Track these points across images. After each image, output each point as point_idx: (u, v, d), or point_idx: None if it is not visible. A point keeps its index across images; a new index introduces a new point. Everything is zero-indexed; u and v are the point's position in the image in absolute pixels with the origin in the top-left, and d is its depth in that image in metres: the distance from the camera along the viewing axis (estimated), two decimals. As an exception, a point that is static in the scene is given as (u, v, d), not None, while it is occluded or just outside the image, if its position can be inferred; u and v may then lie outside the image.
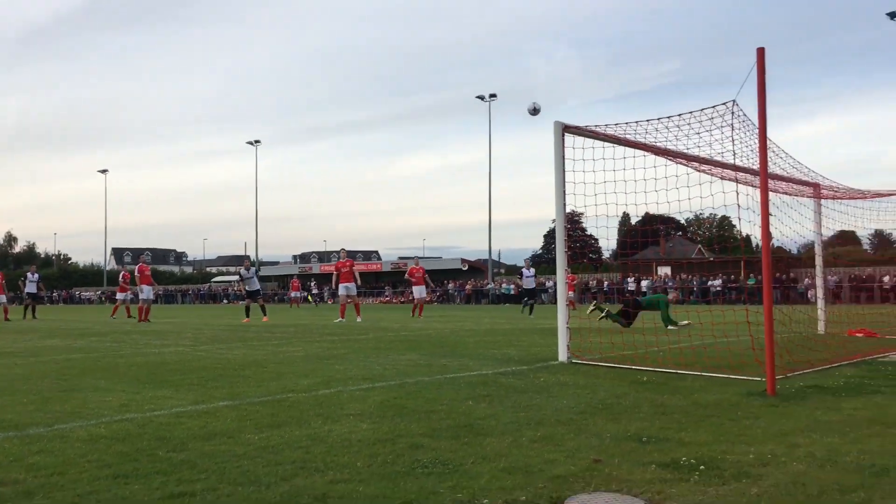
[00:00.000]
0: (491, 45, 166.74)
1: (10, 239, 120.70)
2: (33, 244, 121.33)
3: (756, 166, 7.59)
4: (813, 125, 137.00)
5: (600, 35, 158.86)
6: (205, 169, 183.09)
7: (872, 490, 3.42)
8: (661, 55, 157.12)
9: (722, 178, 9.67)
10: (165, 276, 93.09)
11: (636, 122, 8.65)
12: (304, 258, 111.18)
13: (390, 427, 4.98)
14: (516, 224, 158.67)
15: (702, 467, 3.83)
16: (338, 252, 23.99)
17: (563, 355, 9.00)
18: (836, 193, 12.94)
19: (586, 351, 9.42)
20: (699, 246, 76.25)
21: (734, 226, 7.61)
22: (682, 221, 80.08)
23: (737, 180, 8.51)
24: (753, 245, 11.12)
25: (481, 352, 10.59)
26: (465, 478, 3.70)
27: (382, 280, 69.40)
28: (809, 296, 36.43)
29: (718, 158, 8.89)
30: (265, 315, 22.59)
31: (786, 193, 11.61)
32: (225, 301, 68.88)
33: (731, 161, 8.58)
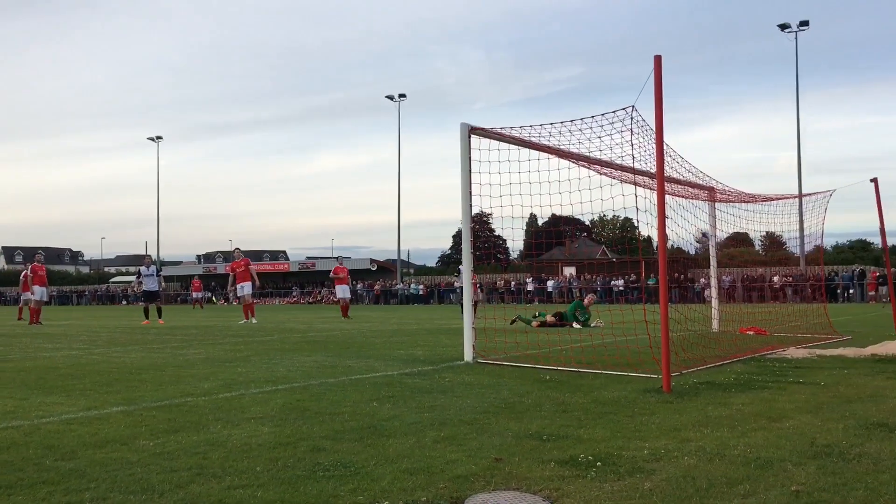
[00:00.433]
0: (400, 45, 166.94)
1: None
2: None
3: (654, 170, 7.85)
4: (710, 131, 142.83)
5: (508, 38, 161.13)
6: (102, 165, 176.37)
7: (757, 482, 3.58)
8: (568, 60, 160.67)
9: (623, 181, 9.95)
10: (60, 277, 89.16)
11: (540, 125, 8.82)
12: (208, 258, 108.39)
13: (292, 430, 4.90)
14: (425, 224, 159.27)
15: (599, 463, 3.93)
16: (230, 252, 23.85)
17: (468, 355, 9.07)
18: (730, 196, 13.51)
19: (491, 351, 9.53)
20: (603, 247, 78.32)
21: (636, 227, 7.84)
22: (587, 223, 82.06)
23: (636, 183, 8.78)
24: (654, 246, 11.51)
25: (387, 352, 10.57)
26: (366, 480, 3.68)
27: (290, 280, 68.45)
28: (705, 295, 37.94)
29: (619, 161, 9.15)
30: (160, 318, 21.92)
31: (682, 196, 12.05)
32: (124, 302, 66.51)
33: (631, 164, 8.84)
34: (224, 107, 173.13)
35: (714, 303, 14.31)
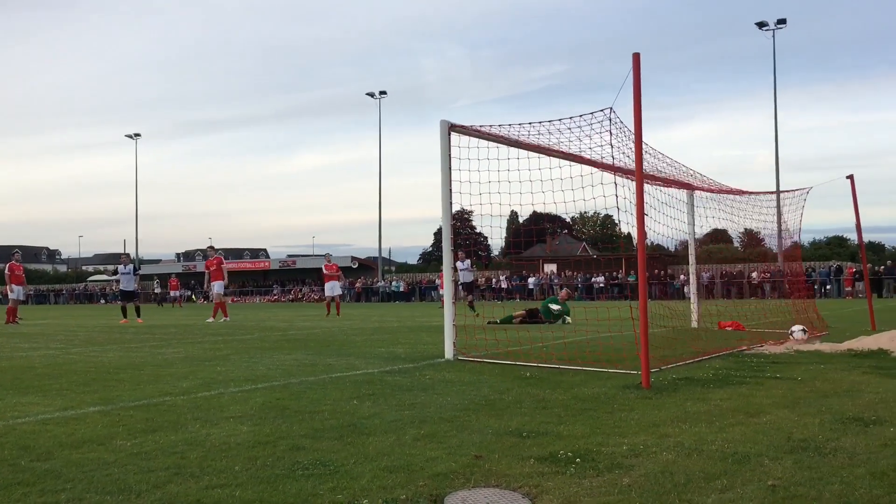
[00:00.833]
0: (381, 42, 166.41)
1: None
2: None
3: (633, 167, 7.88)
4: (690, 129, 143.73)
5: (491, 35, 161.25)
6: (79, 162, 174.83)
7: (734, 476, 3.61)
8: (550, 58, 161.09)
9: (602, 180, 9.98)
10: (37, 276, 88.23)
11: (520, 123, 8.84)
12: (188, 256, 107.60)
13: (272, 429, 4.88)
14: (407, 222, 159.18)
15: (578, 460, 3.94)
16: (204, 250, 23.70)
17: (449, 353, 9.07)
18: (710, 186, 13.57)
19: (472, 348, 9.54)
20: (584, 244, 78.62)
21: (616, 224, 7.91)
22: (568, 220, 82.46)
23: (615, 183, 8.81)
24: (634, 243, 11.56)
25: (368, 350, 10.54)
26: (345, 478, 3.67)
27: (270, 278, 68.16)
28: (685, 291, 38.21)
29: (598, 160, 9.18)
30: (139, 316, 21.77)
31: (662, 186, 12.09)
32: (102, 301, 65.95)
33: (611, 163, 8.88)
34: (204, 104, 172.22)
35: (693, 298, 14.40)
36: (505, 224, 10.79)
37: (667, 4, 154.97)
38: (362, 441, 4.50)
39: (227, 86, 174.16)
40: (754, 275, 42.04)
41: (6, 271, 22.92)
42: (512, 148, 9.17)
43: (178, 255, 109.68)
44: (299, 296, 59.35)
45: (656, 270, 43.25)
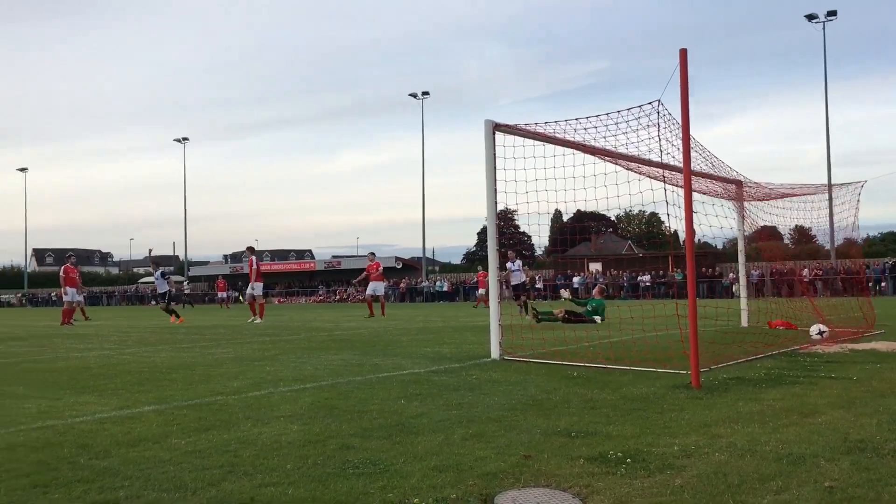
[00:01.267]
0: (423, 42, 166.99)
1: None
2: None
3: (681, 164, 7.79)
4: (736, 123, 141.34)
5: (531, 34, 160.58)
6: (130, 166, 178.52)
7: (790, 478, 3.54)
8: (591, 54, 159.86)
9: (649, 176, 9.88)
10: (90, 278, 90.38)
11: (566, 120, 8.79)
12: (234, 258, 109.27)
13: (321, 428, 4.93)
14: (450, 221, 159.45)
15: (628, 460, 3.91)
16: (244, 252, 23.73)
17: (495, 352, 9.06)
18: (757, 193, 13.35)
19: (518, 348, 9.52)
20: (629, 242, 77.85)
21: (662, 222, 7.79)
22: (613, 218, 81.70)
23: (664, 179, 8.71)
24: (681, 240, 11.42)
25: (414, 350, 10.59)
26: (395, 477, 3.70)
27: (316, 279, 68.83)
28: (734, 290, 37.58)
29: (646, 156, 9.09)
30: (178, 317, 22.15)
31: (707, 194, 11.93)
32: (153, 302, 67.21)
33: (658, 159, 8.78)
34: (249, 107, 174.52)
35: (743, 296, 14.16)
36: (548, 223, 10.74)
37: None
38: (411, 440, 4.52)
39: (271, 88, 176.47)
40: (805, 272, 41.15)
41: (61, 274, 23.54)
42: (557, 146, 9.12)
43: (225, 256, 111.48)
44: (344, 296, 59.83)
45: (704, 268, 42.63)
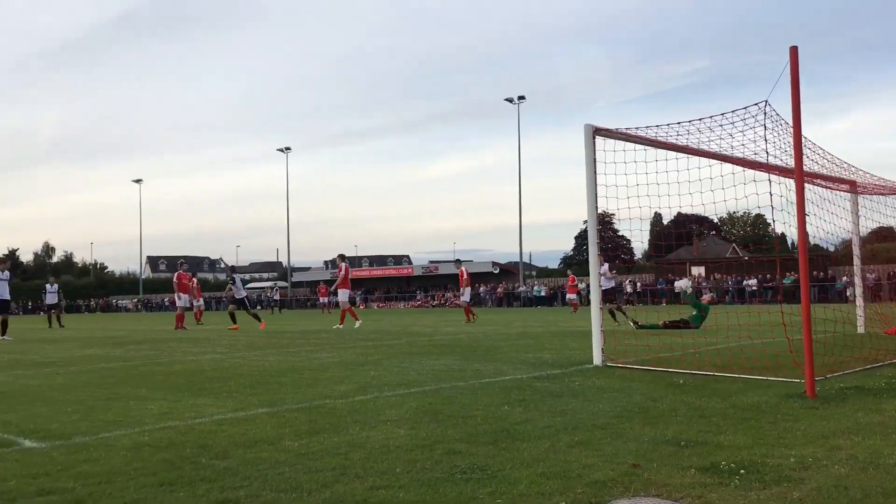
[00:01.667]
0: (518, 46, 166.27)
1: (48, 249, 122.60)
2: (71, 254, 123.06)
3: (790, 165, 7.52)
4: (847, 121, 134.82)
5: (627, 34, 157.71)
6: (236, 176, 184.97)
7: (917, 493, 3.38)
8: (690, 53, 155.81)
9: (755, 179, 9.56)
10: (200, 284, 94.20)
11: (668, 124, 8.62)
12: (335, 264, 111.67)
13: (427, 433, 5.01)
14: (547, 226, 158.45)
15: (742, 471, 3.81)
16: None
17: (597, 359, 8.97)
18: (875, 189, 12.73)
19: (621, 354, 9.38)
20: (733, 245, 75.37)
21: (769, 224, 7.55)
22: (716, 221, 79.33)
23: (770, 181, 8.43)
24: (789, 243, 11.00)
25: (514, 356, 10.59)
26: (503, 483, 3.72)
27: (414, 284, 69.62)
28: (847, 294, 35.86)
29: (752, 158, 8.81)
30: (260, 321, 22.64)
31: (822, 186, 11.45)
32: (259, 307, 69.54)
33: (765, 161, 8.50)
34: (347, 115, 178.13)
35: (859, 301, 13.52)
36: (648, 227, 10.56)
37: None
38: (516, 446, 4.54)
39: (369, 96, 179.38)
40: (926, 275, 38.81)
41: (174, 280, 24.67)
42: (659, 150, 8.96)
43: (325, 262, 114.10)
44: (442, 301, 60.27)
45: (815, 272, 40.86)
